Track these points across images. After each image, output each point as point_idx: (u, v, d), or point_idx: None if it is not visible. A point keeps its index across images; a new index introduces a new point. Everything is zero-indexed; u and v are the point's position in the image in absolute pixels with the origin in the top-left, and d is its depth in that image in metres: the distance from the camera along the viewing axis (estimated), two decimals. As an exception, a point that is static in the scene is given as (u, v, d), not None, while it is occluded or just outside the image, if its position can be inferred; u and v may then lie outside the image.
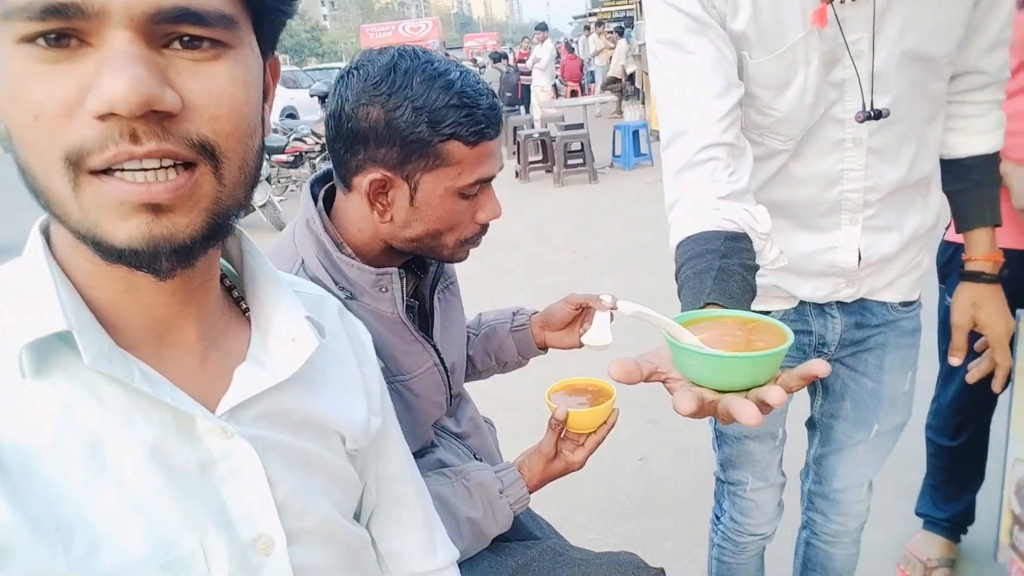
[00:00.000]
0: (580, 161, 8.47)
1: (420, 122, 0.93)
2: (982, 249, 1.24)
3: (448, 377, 1.13)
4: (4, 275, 0.54)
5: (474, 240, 1.07)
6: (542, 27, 12.79)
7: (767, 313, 1.27)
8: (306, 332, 0.64)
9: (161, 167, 0.47)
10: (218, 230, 0.53)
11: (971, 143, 1.22)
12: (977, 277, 1.25)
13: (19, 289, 0.53)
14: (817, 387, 1.46)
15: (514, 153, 9.37)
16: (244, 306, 0.66)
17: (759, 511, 1.49)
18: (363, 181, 0.97)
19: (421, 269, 1.16)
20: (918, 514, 2.09)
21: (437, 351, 1.11)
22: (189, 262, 0.52)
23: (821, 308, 1.31)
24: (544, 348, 1.34)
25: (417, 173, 0.97)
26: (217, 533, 0.56)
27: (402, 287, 1.04)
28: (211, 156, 0.50)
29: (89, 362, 0.50)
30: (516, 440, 1.66)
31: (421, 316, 1.14)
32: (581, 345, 1.25)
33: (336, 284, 1.01)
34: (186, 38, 0.47)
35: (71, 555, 0.48)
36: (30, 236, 0.55)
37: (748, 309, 0.85)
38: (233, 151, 0.51)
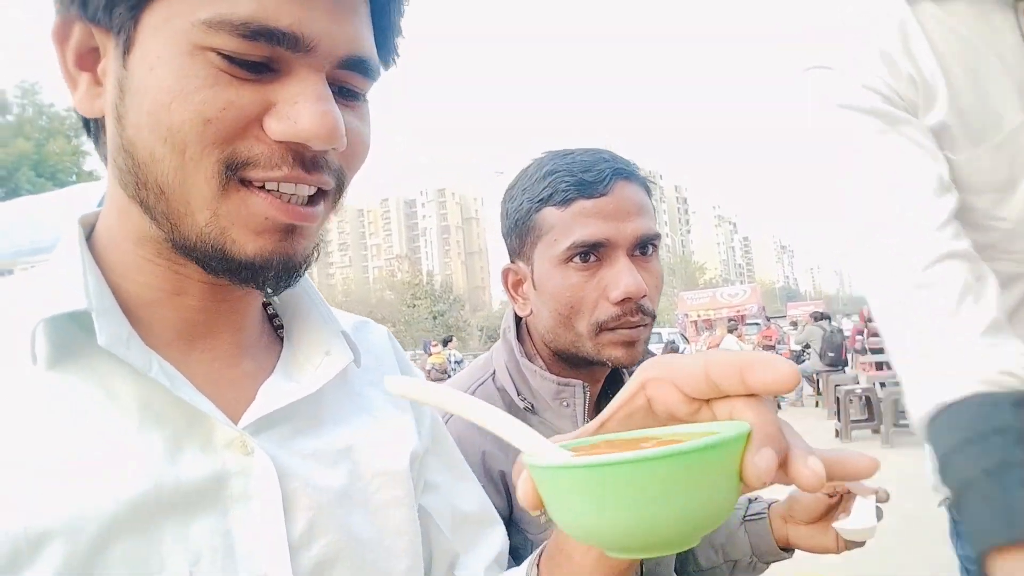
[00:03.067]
0: (914, 421, 7.49)
1: (523, 201, 0.94)
2: None
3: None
4: (35, 270, 0.55)
5: (616, 326, 0.90)
6: None
7: None
8: (340, 347, 0.60)
9: (308, 197, 0.51)
10: (316, 253, 0.55)
11: None
12: None
13: (44, 274, 0.53)
14: None
15: (835, 412, 8.68)
16: (278, 323, 0.65)
17: None
18: (500, 279, 1.00)
19: (614, 390, 1.04)
20: None
21: None
22: (291, 281, 0.53)
23: None
24: (788, 549, 1.05)
25: (530, 253, 0.95)
26: (211, 564, 0.49)
27: (585, 404, 0.94)
28: (339, 187, 0.54)
29: (103, 343, 0.47)
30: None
31: None
32: (839, 550, 0.97)
33: (519, 395, 0.96)
34: (348, 88, 0.52)
35: (45, 563, 0.44)
36: (67, 230, 0.55)
37: None
38: (349, 183, 0.55)
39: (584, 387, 0.95)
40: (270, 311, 0.65)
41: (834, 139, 0.87)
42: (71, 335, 0.49)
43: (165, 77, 0.46)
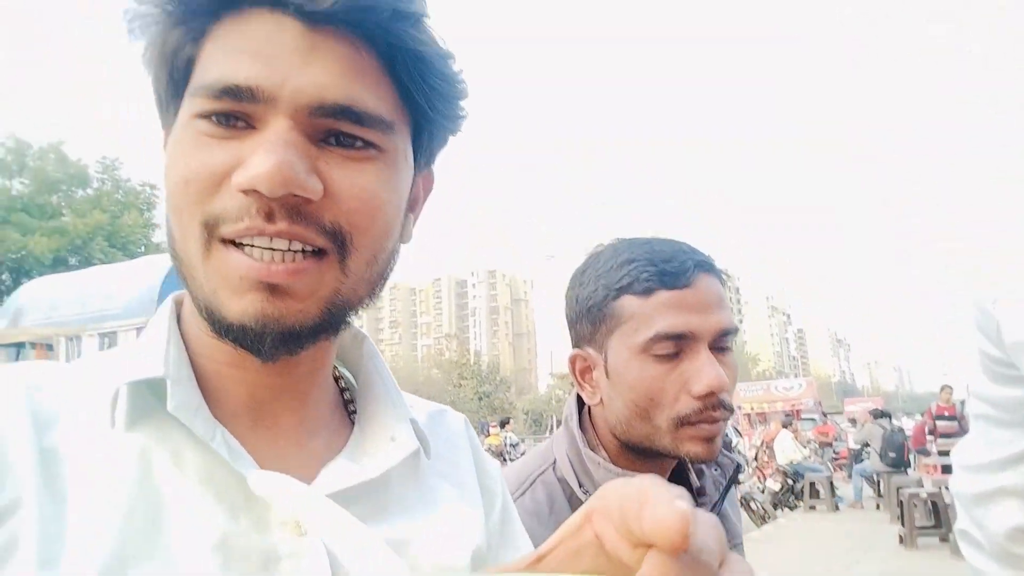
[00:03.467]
0: (986, 531, 7.02)
1: (598, 287, 0.92)
2: None
3: None
4: (132, 342, 0.58)
5: (697, 420, 0.88)
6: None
7: None
8: (407, 433, 0.59)
9: (290, 250, 0.48)
10: (331, 321, 0.52)
11: None
12: None
13: (136, 346, 0.56)
14: None
15: (898, 516, 8.20)
16: (352, 408, 0.63)
17: None
18: (568, 365, 0.97)
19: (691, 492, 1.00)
20: None
21: None
22: (295, 348, 0.51)
23: None
24: None
25: (604, 341, 0.92)
26: None
27: None
28: (340, 245, 0.50)
29: (172, 409, 0.49)
30: None
31: None
32: None
33: (581, 487, 0.93)
34: (342, 136, 0.50)
35: None
36: (162, 304, 0.58)
37: None
38: (364, 246, 0.51)
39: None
40: (347, 396, 0.65)
41: None
42: (149, 402, 0.50)
43: (170, 148, 0.51)
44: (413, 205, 0.60)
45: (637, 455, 0.95)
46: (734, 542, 1.06)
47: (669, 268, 0.89)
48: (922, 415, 18.88)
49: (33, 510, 0.44)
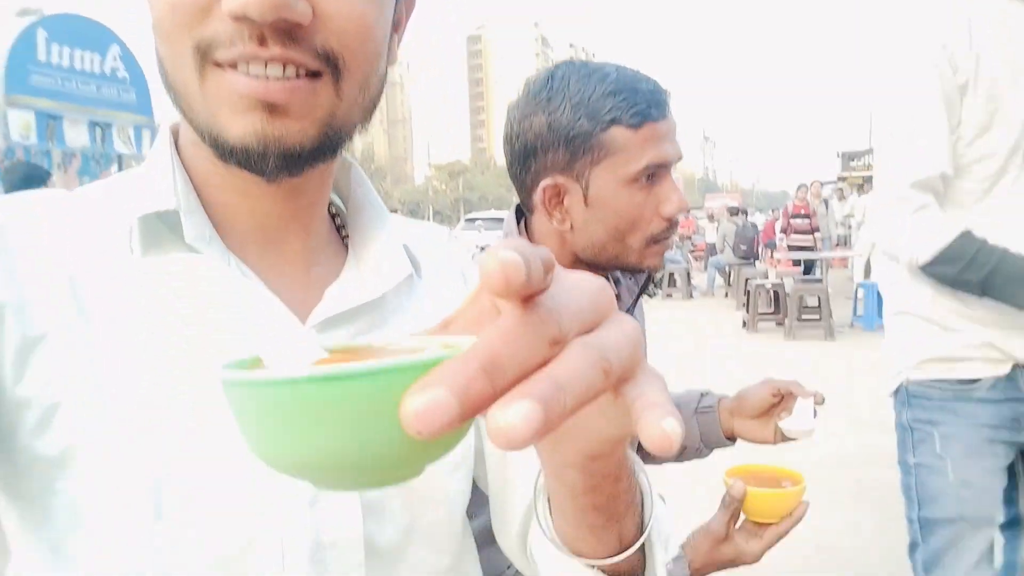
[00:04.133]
0: (816, 317, 7.90)
1: (579, 116, 0.92)
2: None
3: None
4: (133, 169, 0.59)
5: (662, 238, 0.99)
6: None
7: (974, 382, 1.31)
8: (400, 259, 0.62)
9: (284, 76, 0.48)
10: (328, 144, 0.53)
11: None
12: None
13: (140, 176, 0.57)
14: (1020, 477, 1.41)
15: (744, 304, 9.04)
16: (345, 234, 0.66)
17: None
18: (539, 193, 0.97)
19: None
20: None
21: None
22: (296, 169, 0.52)
23: None
24: (732, 439, 1.20)
25: (586, 170, 0.94)
26: None
27: None
28: (334, 68, 0.50)
29: (189, 239, 0.52)
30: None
31: None
32: (776, 441, 1.13)
33: None
34: None
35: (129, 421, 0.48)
36: (159, 134, 0.59)
37: None
38: (357, 67, 0.52)
39: None
40: (338, 222, 0.67)
41: (905, 76, 1.29)
42: (161, 232, 0.53)
43: None
44: (397, 26, 0.60)
45: (592, 270, 1.00)
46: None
47: (653, 100, 0.93)
48: (774, 211, 20.47)
49: (69, 333, 0.48)
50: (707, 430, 1.18)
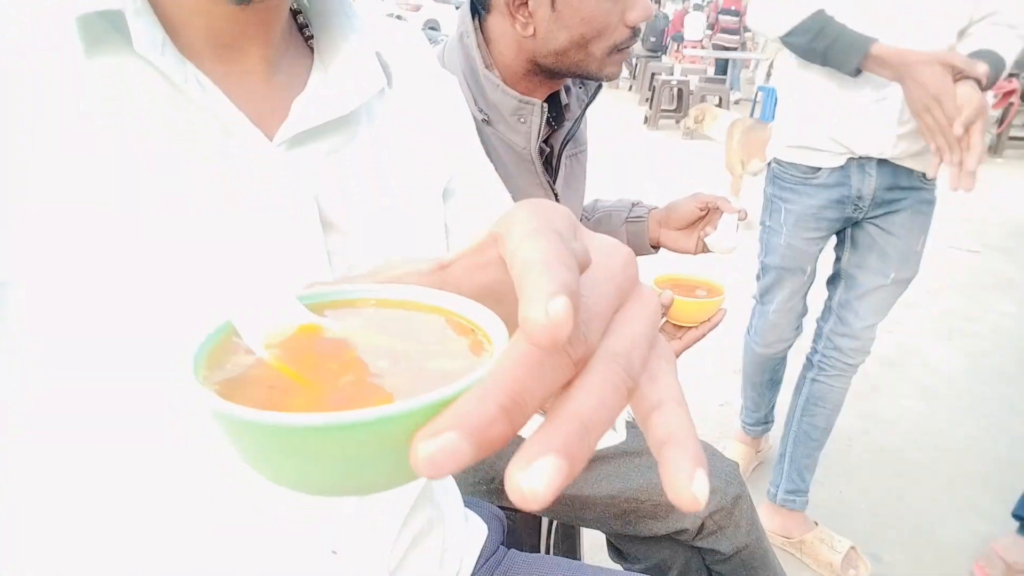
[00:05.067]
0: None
1: None
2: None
3: None
4: None
5: (625, 46, 0.99)
6: None
7: (818, 170, 1.69)
8: (372, 67, 0.57)
9: None
10: None
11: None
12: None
13: None
14: (846, 244, 1.83)
15: (648, 99, 9.09)
16: (308, 34, 0.60)
17: (776, 330, 1.95)
18: None
19: (557, 121, 1.11)
20: (1015, 516, 1.95)
21: (557, 202, 1.08)
22: None
23: (863, 167, 1.65)
24: (656, 247, 1.27)
25: None
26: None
27: (540, 123, 0.99)
28: None
29: (140, 48, 0.45)
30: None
31: (546, 166, 1.10)
32: (696, 252, 1.21)
33: (476, 105, 0.98)
34: None
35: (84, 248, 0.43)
36: None
37: None
38: None
39: (543, 106, 0.98)
40: (300, 20, 0.60)
41: None
42: (106, 34, 0.46)
43: None
44: None
45: (543, 78, 1.02)
46: (581, 147, 1.19)
47: None
48: (685, 1, 19.78)
49: (7, 140, 0.42)
50: (635, 239, 1.25)
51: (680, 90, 8.55)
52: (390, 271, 0.31)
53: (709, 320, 1.06)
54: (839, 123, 1.62)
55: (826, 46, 1.50)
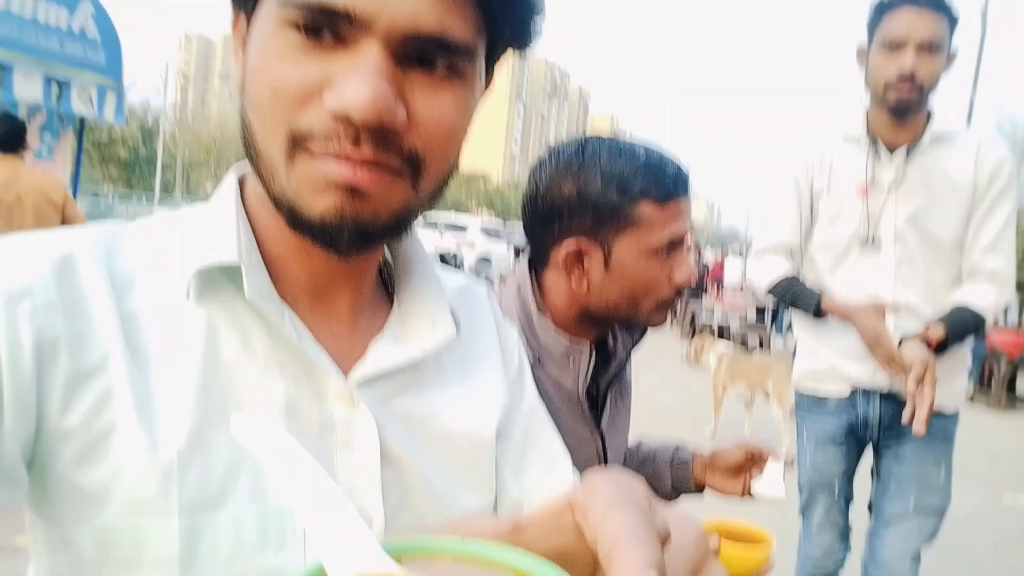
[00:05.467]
0: (757, 357, 8.14)
1: (610, 188, 0.98)
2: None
3: None
4: (200, 210, 0.59)
5: (671, 303, 1.07)
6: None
7: (825, 400, 1.92)
8: (446, 320, 0.63)
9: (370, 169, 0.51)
10: (401, 226, 0.55)
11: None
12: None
13: (205, 221, 0.57)
14: (873, 472, 1.97)
15: (688, 335, 9.22)
16: (391, 285, 0.68)
17: (820, 545, 2.00)
18: (560, 253, 1.02)
19: (604, 362, 1.14)
20: None
21: (603, 441, 1.09)
22: (367, 247, 0.55)
23: (868, 398, 1.87)
24: (701, 488, 1.26)
25: (610, 237, 1.00)
26: None
27: (588, 365, 1.05)
28: (415, 169, 0.52)
29: (249, 295, 0.52)
30: None
31: (592, 405, 1.12)
32: (743, 495, 1.22)
33: (529, 347, 1.02)
34: (427, 61, 0.50)
35: (173, 483, 0.48)
36: (224, 180, 0.60)
37: None
38: (436, 167, 0.54)
39: (592, 347, 1.05)
40: (384, 273, 0.68)
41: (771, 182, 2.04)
42: (218, 279, 0.54)
43: (255, 52, 0.51)
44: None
45: (590, 325, 1.08)
46: (626, 389, 1.23)
47: (679, 179, 1.01)
48: (723, 249, 20.89)
49: (122, 369, 0.49)
50: (679, 481, 1.26)
51: (720, 332, 8.68)
52: (466, 526, 0.33)
53: (758, 571, 1.01)
54: (842, 360, 1.87)
55: (791, 298, 1.92)
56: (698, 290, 12.35)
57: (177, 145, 37.82)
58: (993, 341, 8.33)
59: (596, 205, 0.99)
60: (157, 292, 0.53)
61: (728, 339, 8.37)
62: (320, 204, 0.50)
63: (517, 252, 9.72)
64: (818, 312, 1.83)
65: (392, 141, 0.50)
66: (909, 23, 1.71)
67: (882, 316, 1.73)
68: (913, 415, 1.63)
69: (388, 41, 0.48)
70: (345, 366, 0.57)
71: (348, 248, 0.53)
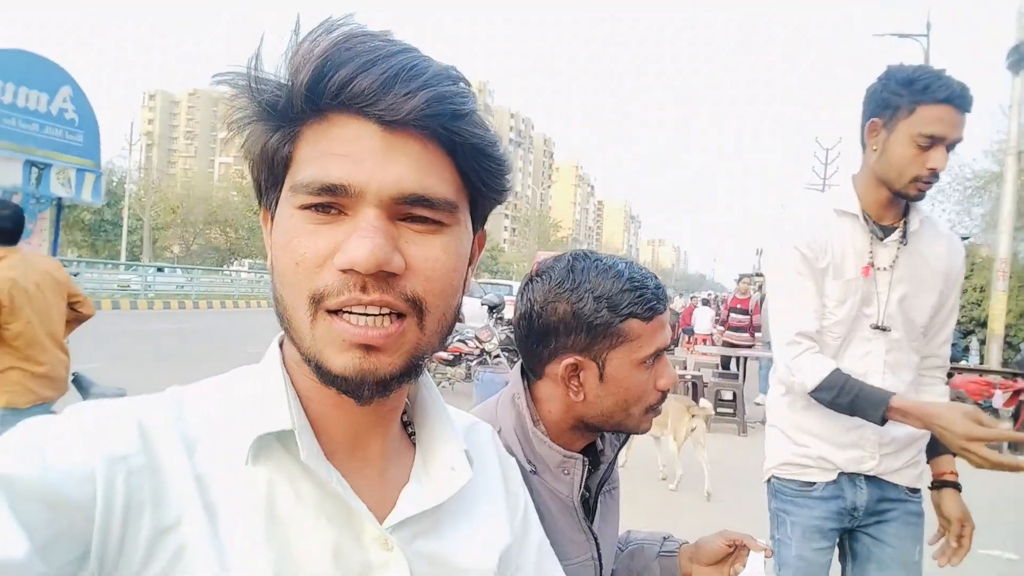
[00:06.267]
0: (731, 411, 8.25)
1: (601, 308, 1.08)
2: (950, 466, 1.87)
3: (600, 573, 1.15)
4: (249, 375, 0.68)
5: (656, 407, 1.15)
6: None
7: (812, 485, 1.87)
8: (463, 463, 0.71)
9: (380, 314, 0.58)
10: (413, 369, 0.63)
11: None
12: (956, 485, 1.85)
13: (256, 387, 0.66)
14: (847, 555, 1.93)
15: (662, 391, 9.30)
16: (411, 431, 0.75)
17: None
18: (557, 367, 1.11)
19: (594, 464, 1.22)
20: None
21: (598, 545, 1.14)
22: (386, 392, 0.61)
23: (853, 481, 1.84)
24: None
25: (604, 353, 1.09)
26: None
27: (582, 475, 1.11)
28: (419, 310, 0.60)
29: (305, 459, 0.60)
30: None
31: (586, 509, 1.18)
32: None
33: (525, 457, 1.10)
34: (416, 216, 0.60)
35: None
36: (270, 347, 0.69)
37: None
38: (436, 307, 0.62)
39: (585, 461, 1.13)
40: (404, 418, 0.75)
41: (775, 263, 1.87)
42: (273, 446, 0.62)
43: (279, 235, 0.61)
44: (471, 261, 0.70)
45: (583, 432, 1.17)
46: (614, 485, 1.31)
47: (660, 296, 1.11)
48: (692, 298, 21.11)
49: (196, 524, 0.56)
50: (667, 573, 1.30)
51: (694, 384, 8.80)
52: None
53: None
54: (826, 447, 1.84)
55: (849, 401, 1.71)
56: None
57: (144, 207, 37.18)
58: (957, 385, 8.45)
59: (590, 324, 1.08)
60: (220, 454, 0.60)
61: (698, 392, 8.49)
62: (340, 361, 0.58)
63: (491, 309, 9.76)
64: (884, 419, 1.67)
65: (393, 285, 0.58)
66: (951, 123, 1.65)
67: (971, 417, 1.54)
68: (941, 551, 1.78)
69: (381, 204, 0.57)
70: (378, 511, 0.65)
71: (370, 396, 0.60)
